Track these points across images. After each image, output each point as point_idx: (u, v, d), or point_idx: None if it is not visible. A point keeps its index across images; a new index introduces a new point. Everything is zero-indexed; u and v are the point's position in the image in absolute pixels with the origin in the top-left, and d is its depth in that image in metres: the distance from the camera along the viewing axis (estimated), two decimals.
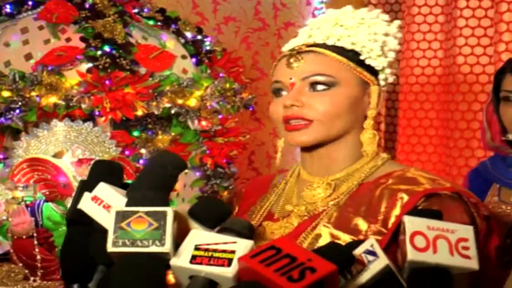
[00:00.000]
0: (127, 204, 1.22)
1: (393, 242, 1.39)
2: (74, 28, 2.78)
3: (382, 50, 1.62)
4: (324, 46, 1.60)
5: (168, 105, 2.77)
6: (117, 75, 2.66)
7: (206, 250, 1.18)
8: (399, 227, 1.29)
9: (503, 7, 3.19)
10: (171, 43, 2.93)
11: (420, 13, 3.47)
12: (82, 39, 2.71)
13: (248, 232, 1.24)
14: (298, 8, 4.00)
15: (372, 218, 1.48)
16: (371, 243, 1.22)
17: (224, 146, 2.94)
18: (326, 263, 1.12)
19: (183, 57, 2.93)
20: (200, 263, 1.17)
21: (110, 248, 1.16)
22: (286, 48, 1.64)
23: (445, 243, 1.16)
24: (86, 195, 1.31)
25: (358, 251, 1.21)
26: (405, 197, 1.48)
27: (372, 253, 1.20)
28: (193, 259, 1.17)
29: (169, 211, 1.19)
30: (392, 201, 1.49)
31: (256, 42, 4.00)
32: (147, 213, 1.18)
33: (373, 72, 1.63)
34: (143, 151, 2.88)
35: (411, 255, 1.15)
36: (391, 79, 1.67)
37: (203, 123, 2.86)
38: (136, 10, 2.98)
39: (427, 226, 1.18)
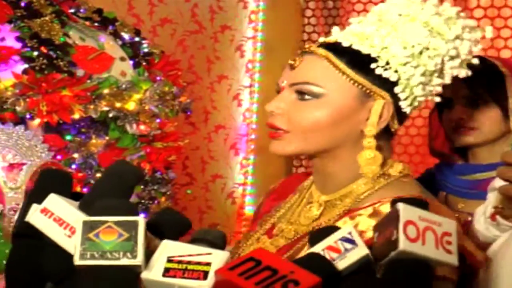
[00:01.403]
0: (94, 214, 1.14)
1: None
2: (9, 27, 2.66)
3: (414, 57, 1.41)
4: (333, 47, 1.45)
5: (106, 108, 2.69)
6: (54, 77, 2.55)
7: (180, 262, 1.12)
8: None
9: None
10: (109, 45, 2.84)
11: None
12: (18, 39, 2.60)
13: (221, 243, 1.19)
14: (235, 11, 3.97)
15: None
16: (349, 230, 1.16)
17: (162, 151, 2.87)
18: (310, 275, 1.06)
19: (122, 59, 2.84)
20: (174, 276, 1.10)
21: (77, 261, 1.08)
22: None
23: (432, 235, 1.12)
24: (35, 207, 1.21)
25: (334, 238, 1.15)
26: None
27: (349, 240, 1.15)
28: (166, 272, 1.10)
29: (141, 220, 1.11)
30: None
31: (192, 45, 3.94)
32: (116, 223, 1.11)
33: (388, 83, 1.43)
34: (76, 155, 2.78)
35: (404, 245, 1.10)
36: (419, 92, 1.44)
37: (142, 127, 2.78)
38: (72, 10, 2.88)
39: (418, 216, 1.13)
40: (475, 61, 1.51)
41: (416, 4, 1.45)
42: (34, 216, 1.20)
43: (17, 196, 2.54)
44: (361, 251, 1.14)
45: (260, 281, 1.05)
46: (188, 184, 3.88)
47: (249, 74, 3.96)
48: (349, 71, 1.43)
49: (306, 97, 1.45)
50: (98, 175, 2.75)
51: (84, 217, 1.14)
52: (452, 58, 1.46)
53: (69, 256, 1.13)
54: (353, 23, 1.51)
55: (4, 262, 2.42)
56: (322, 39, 1.52)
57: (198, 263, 1.11)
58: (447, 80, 1.49)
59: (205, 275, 1.10)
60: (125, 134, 2.80)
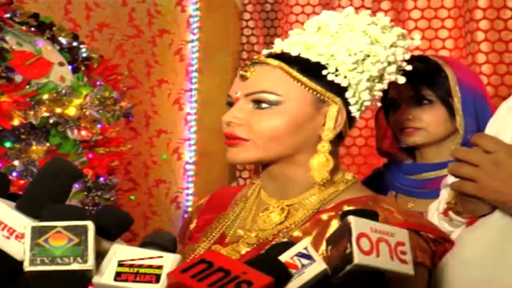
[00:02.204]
0: (42, 219, 1.12)
1: None
2: None
3: (359, 64, 1.47)
4: (283, 57, 1.49)
5: (46, 114, 2.65)
6: None
7: (131, 266, 1.10)
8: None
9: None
10: (47, 50, 2.80)
11: (297, 21, 3.48)
12: None
13: (172, 246, 1.18)
14: (173, 15, 3.95)
15: (317, 248, 1.35)
16: (305, 245, 1.14)
17: (104, 157, 2.83)
18: (262, 275, 1.06)
19: (60, 64, 2.81)
20: (126, 280, 1.09)
21: (27, 267, 1.06)
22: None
23: (386, 246, 1.12)
24: None
25: (290, 254, 1.14)
26: None
27: (306, 256, 1.13)
28: (118, 276, 1.09)
29: (90, 225, 1.10)
30: None
31: (131, 50, 3.90)
32: (66, 227, 1.09)
33: (338, 88, 1.48)
34: (16, 163, 2.73)
35: (358, 258, 1.09)
36: (366, 97, 1.50)
37: (83, 132, 2.75)
38: (8, 15, 2.83)
39: (370, 228, 1.12)
40: (409, 67, 1.56)
41: (352, 15, 1.52)
42: None
43: None
44: (319, 266, 1.13)
45: (213, 282, 1.04)
46: (131, 190, 3.84)
47: (189, 78, 3.95)
48: (303, 78, 1.47)
49: (263, 105, 1.47)
50: None
51: (29, 219, 1.12)
52: (389, 64, 1.51)
53: (9, 258, 1.12)
54: (292, 35, 1.55)
55: None
56: (267, 51, 1.55)
57: (150, 267, 1.10)
58: (385, 86, 1.55)
59: (157, 278, 1.09)
60: (66, 140, 2.77)
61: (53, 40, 2.89)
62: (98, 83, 2.88)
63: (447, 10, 3.19)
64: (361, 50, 1.47)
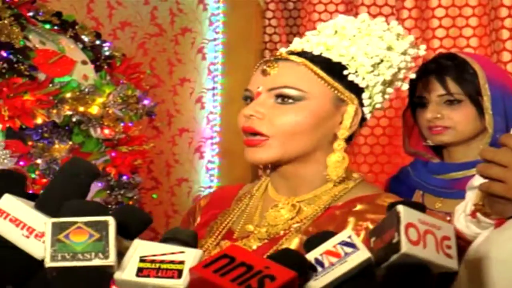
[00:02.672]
0: (62, 215, 1.12)
1: None
2: None
3: (376, 67, 1.51)
4: (306, 55, 1.51)
5: (69, 112, 2.65)
6: (15, 81, 2.52)
7: (153, 261, 1.09)
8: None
9: (404, 13, 3.24)
10: (70, 48, 2.81)
11: (320, 19, 3.45)
12: None
13: (193, 241, 1.17)
14: (195, 14, 3.94)
15: None
16: (349, 234, 1.13)
17: (127, 155, 2.84)
18: (285, 269, 1.05)
19: (84, 62, 2.82)
20: (148, 276, 1.08)
21: (48, 263, 1.05)
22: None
23: (432, 239, 1.10)
24: None
25: (332, 242, 1.12)
26: (370, 227, 1.40)
27: (350, 244, 1.12)
28: (140, 272, 1.08)
29: (111, 220, 1.09)
30: (356, 230, 1.41)
31: (153, 48, 3.91)
32: (86, 223, 1.08)
33: (356, 89, 1.52)
34: (39, 161, 2.74)
35: (406, 247, 1.07)
36: (379, 99, 1.55)
37: (106, 131, 2.76)
38: (31, 14, 2.84)
39: (418, 219, 1.10)
40: (413, 76, 1.62)
41: (368, 21, 1.57)
42: None
43: None
44: (363, 254, 1.11)
45: (235, 277, 1.03)
46: (154, 189, 3.84)
47: (211, 77, 3.94)
48: (326, 76, 1.50)
49: (286, 100, 1.48)
50: None
51: (49, 217, 1.11)
52: (399, 70, 1.56)
53: (28, 257, 1.11)
54: (309, 35, 1.59)
55: None
56: (285, 49, 1.58)
57: (172, 262, 1.09)
58: (392, 90, 1.60)
59: (179, 273, 1.08)
60: (89, 139, 2.77)
61: (76, 38, 2.90)
62: (121, 81, 2.88)
63: (471, 8, 3.16)
64: (377, 54, 1.51)
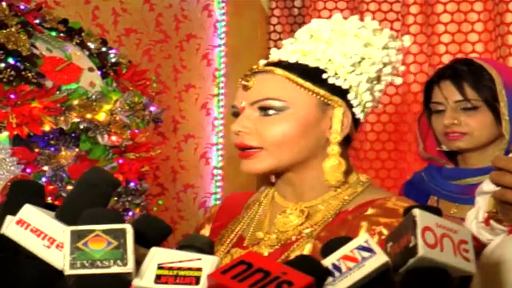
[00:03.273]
0: (80, 223, 1.12)
1: None
2: None
3: (356, 66, 1.50)
4: (282, 64, 1.51)
5: (76, 120, 2.66)
6: (23, 88, 2.53)
7: (170, 268, 1.10)
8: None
9: (410, 19, 3.24)
10: (76, 55, 2.82)
11: None
12: None
13: (209, 248, 1.17)
14: (200, 20, 3.96)
15: None
16: (365, 238, 1.12)
17: (135, 162, 2.84)
18: (302, 275, 1.05)
19: (90, 69, 2.82)
20: (166, 283, 1.09)
21: (68, 270, 1.06)
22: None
23: (449, 242, 1.09)
24: (9, 219, 1.17)
25: (349, 247, 1.12)
26: (384, 232, 1.40)
27: (366, 249, 1.11)
28: (158, 279, 1.09)
29: (129, 228, 1.10)
30: (369, 234, 1.36)
31: (158, 55, 3.92)
32: (104, 231, 1.09)
33: (340, 91, 1.51)
34: (45, 168, 2.74)
35: (423, 251, 1.06)
36: (368, 98, 1.54)
37: (113, 138, 2.76)
38: (37, 21, 2.85)
39: (435, 222, 1.10)
40: (402, 68, 1.60)
41: (341, 20, 1.55)
42: (10, 228, 1.16)
43: None
44: (380, 258, 1.10)
45: (254, 283, 1.04)
46: (160, 195, 3.85)
47: (216, 83, 3.95)
48: (305, 83, 1.49)
49: (270, 112, 1.48)
50: (69, 187, 2.72)
51: (69, 226, 1.12)
52: (385, 65, 1.54)
53: (49, 268, 1.11)
54: (286, 44, 1.58)
55: None
56: (264, 61, 1.57)
57: (189, 269, 1.10)
58: (384, 87, 1.58)
59: (197, 280, 1.08)
60: (96, 146, 2.78)
61: (82, 45, 2.91)
62: (129, 88, 2.89)
63: (477, 14, 3.16)
64: (356, 53, 1.50)
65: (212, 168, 3.91)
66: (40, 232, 1.14)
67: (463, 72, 2.16)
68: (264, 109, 1.49)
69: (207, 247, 1.17)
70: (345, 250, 1.12)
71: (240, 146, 1.50)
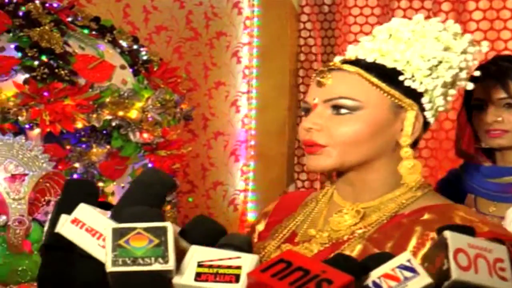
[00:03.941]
0: (121, 221, 1.13)
1: None
2: (8, 37, 2.65)
3: (433, 70, 1.47)
4: (359, 63, 1.49)
5: (109, 117, 2.68)
6: (56, 86, 2.55)
7: (210, 266, 1.11)
8: None
9: (441, 16, 3.21)
10: (108, 53, 2.84)
11: (356, 22, 3.46)
12: (18, 48, 2.59)
13: (247, 247, 1.18)
14: (230, 18, 3.96)
15: (399, 252, 1.30)
16: (408, 257, 1.12)
17: (166, 159, 2.85)
18: (342, 274, 1.06)
19: (122, 67, 2.83)
20: (206, 280, 1.10)
21: (110, 267, 1.07)
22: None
23: (484, 262, 1.09)
24: (64, 218, 1.19)
25: (390, 266, 1.12)
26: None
27: (409, 268, 1.11)
28: (198, 277, 1.10)
29: (169, 226, 1.11)
30: (422, 240, 1.38)
31: (189, 52, 3.93)
32: (146, 229, 1.11)
33: (414, 94, 1.48)
34: (77, 165, 2.76)
35: (456, 274, 1.06)
36: (440, 102, 1.50)
37: (145, 135, 2.77)
38: (70, 19, 2.87)
39: (467, 243, 1.09)
40: (477, 73, 1.56)
41: (422, 22, 1.52)
42: (65, 227, 1.18)
43: (20, 207, 2.53)
44: (424, 280, 1.10)
45: (293, 281, 1.05)
46: (189, 192, 3.87)
47: (246, 80, 3.95)
48: (381, 84, 1.47)
49: (342, 111, 1.46)
50: (100, 184, 2.74)
51: (112, 224, 1.13)
52: (461, 70, 1.51)
53: (104, 267, 1.12)
54: (363, 41, 1.56)
55: (9, 274, 2.44)
56: (340, 58, 1.56)
57: (229, 267, 1.11)
58: (456, 92, 1.55)
59: (236, 278, 1.10)
60: (128, 143, 2.79)
61: (114, 43, 2.93)
62: (161, 86, 2.90)
63: (509, 11, 3.13)
64: (434, 56, 1.47)
65: (241, 165, 3.92)
66: (95, 232, 1.16)
67: (507, 69, 2.14)
68: (337, 108, 1.47)
69: (246, 246, 1.19)
70: (386, 268, 1.12)
71: (308, 144, 1.48)
